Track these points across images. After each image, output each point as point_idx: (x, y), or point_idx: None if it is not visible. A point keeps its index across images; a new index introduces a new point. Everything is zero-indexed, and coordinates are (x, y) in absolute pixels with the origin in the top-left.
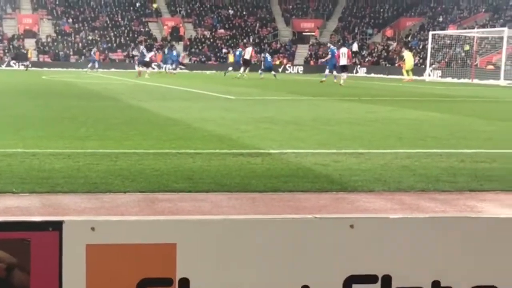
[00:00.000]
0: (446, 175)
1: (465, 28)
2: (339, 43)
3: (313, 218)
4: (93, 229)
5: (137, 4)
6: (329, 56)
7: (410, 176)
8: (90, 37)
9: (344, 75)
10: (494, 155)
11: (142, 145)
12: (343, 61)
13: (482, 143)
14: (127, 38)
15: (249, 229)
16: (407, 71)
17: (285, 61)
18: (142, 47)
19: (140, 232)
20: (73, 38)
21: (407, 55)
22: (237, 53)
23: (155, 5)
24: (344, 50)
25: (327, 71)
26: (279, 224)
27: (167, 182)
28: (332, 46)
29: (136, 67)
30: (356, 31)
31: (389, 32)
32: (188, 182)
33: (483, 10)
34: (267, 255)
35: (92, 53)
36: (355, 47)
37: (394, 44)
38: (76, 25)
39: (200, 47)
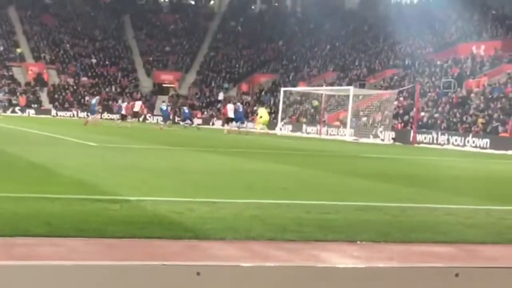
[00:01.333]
0: (293, 225)
1: (314, 86)
2: (197, 95)
3: (161, 265)
4: None
5: (1, 48)
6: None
7: (260, 226)
8: None
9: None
10: (338, 207)
11: (2, 189)
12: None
13: (327, 195)
14: None
15: (102, 274)
16: (263, 124)
17: (145, 111)
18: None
19: None
20: None
21: (262, 111)
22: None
23: (19, 50)
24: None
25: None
26: (130, 270)
27: (25, 226)
28: (238, 103)
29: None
30: (213, 84)
31: (244, 87)
32: (47, 227)
33: (331, 69)
34: None
35: None
36: (221, 96)
37: (249, 98)
38: None
39: (64, 94)
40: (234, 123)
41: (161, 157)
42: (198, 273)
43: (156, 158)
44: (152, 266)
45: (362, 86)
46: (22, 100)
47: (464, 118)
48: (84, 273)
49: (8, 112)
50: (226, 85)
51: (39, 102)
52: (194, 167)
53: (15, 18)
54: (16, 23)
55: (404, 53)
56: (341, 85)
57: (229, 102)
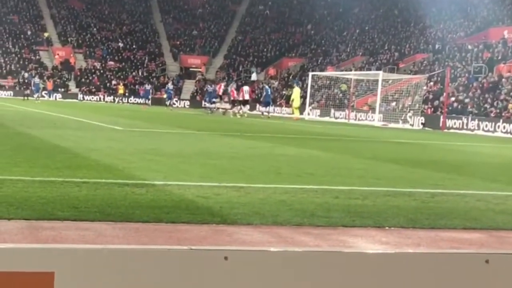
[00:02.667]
0: (321, 211)
1: (343, 70)
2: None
3: (189, 249)
4: None
5: (29, 32)
6: (264, 93)
7: (287, 211)
8: None
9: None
10: (366, 192)
11: (29, 173)
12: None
13: (356, 181)
14: (18, 65)
15: (128, 258)
16: (296, 109)
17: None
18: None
19: (17, 259)
20: None
21: (296, 92)
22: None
23: (46, 34)
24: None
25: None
26: (156, 254)
27: (52, 210)
28: (266, 86)
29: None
30: (240, 68)
31: (271, 71)
32: (73, 211)
33: (360, 53)
34: (145, 285)
35: None
36: (254, 76)
37: (276, 83)
38: None
39: (90, 78)
40: (247, 106)
41: (187, 141)
42: (225, 258)
43: (183, 142)
44: (179, 251)
45: (392, 70)
46: (50, 84)
47: (495, 104)
48: (111, 257)
49: (35, 96)
50: (253, 69)
51: (65, 86)
52: (221, 151)
53: (42, 2)
54: (43, 7)
55: (434, 37)
56: (370, 69)
57: (245, 84)
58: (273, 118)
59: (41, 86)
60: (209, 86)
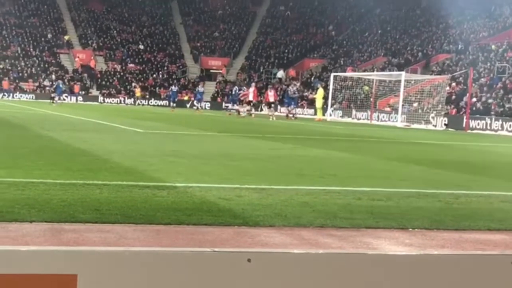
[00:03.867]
0: (344, 212)
1: (365, 71)
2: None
3: (212, 252)
4: None
5: (49, 36)
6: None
7: (309, 212)
8: (1, 66)
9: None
10: (389, 194)
11: (50, 175)
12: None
13: (379, 182)
14: (38, 69)
15: (150, 260)
16: (319, 109)
17: (193, 96)
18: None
19: (40, 262)
20: None
21: (319, 93)
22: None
23: (66, 37)
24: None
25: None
26: (179, 256)
27: (73, 212)
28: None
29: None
30: (261, 70)
31: (292, 72)
32: (95, 213)
33: (382, 54)
34: (168, 287)
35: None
36: (279, 74)
37: (298, 84)
38: None
39: (111, 80)
40: (272, 107)
41: (208, 143)
42: (249, 260)
43: (203, 144)
44: (202, 253)
45: (414, 71)
46: (77, 87)
47: None
48: (133, 259)
49: (56, 99)
50: (274, 70)
51: (86, 89)
52: (242, 153)
53: (63, 5)
54: (63, 10)
55: (457, 37)
56: (392, 70)
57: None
58: (294, 119)
59: (64, 89)
60: (236, 88)
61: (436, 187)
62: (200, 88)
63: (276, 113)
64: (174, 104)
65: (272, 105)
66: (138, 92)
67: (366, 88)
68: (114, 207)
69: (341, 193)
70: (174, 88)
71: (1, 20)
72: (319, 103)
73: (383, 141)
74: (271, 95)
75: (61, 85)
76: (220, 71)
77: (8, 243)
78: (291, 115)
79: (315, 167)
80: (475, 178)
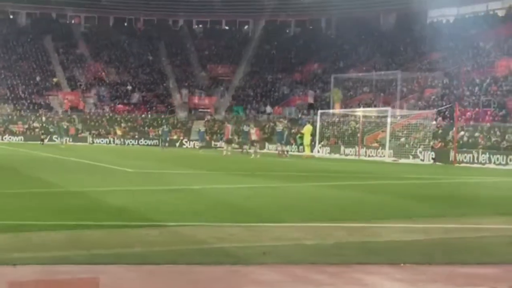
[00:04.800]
0: (335, 248)
1: (351, 107)
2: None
3: None
4: None
5: (37, 78)
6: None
7: (301, 249)
8: None
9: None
10: (380, 229)
11: (43, 217)
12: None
13: (369, 217)
14: (28, 111)
15: None
16: (307, 146)
17: (182, 135)
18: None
19: None
20: None
21: (307, 129)
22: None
23: (55, 80)
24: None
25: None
26: None
27: (67, 254)
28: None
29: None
30: (249, 107)
31: (279, 110)
32: (88, 255)
33: (368, 90)
34: None
35: None
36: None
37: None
38: None
39: (100, 121)
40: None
41: (198, 181)
42: None
43: (193, 182)
44: None
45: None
46: (72, 129)
47: (506, 137)
48: None
49: (46, 141)
50: (263, 108)
51: (75, 130)
52: (231, 191)
53: (51, 48)
54: (52, 53)
55: (441, 72)
56: (378, 106)
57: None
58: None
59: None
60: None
61: (427, 221)
62: (201, 128)
63: (264, 151)
64: (166, 144)
65: (255, 143)
66: (119, 131)
67: (353, 123)
68: (107, 248)
69: (331, 229)
70: (165, 128)
71: None
72: (307, 139)
73: (372, 176)
74: (228, 131)
75: (64, 127)
76: (208, 110)
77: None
78: (282, 152)
79: (305, 203)
80: (465, 211)
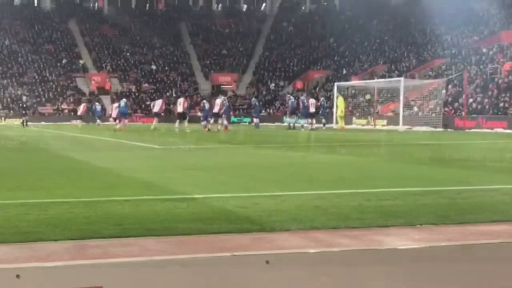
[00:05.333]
0: (355, 213)
1: (366, 79)
2: (254, 95)
3: (231, 256)
4: (18, 276)
5: (64, 61)
6: (301, 105)
7: (322, 215)
8: (19, 92)
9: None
10: (396, 193)
11: (72, 194)
12: (312, 109)
13: (386, 183)
14: (56, 93)
15: (173, 268)
16: (340, 118)
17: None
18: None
19: (66, 277)
20: (1, 93)
21: (340, 101)
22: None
23: (81, 61)
24: (312, 100)
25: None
26: (201, 262)
27: (97, 228)
28: (302, 97)
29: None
30: (269, 83)
31: (298, 84)
32: (118, 228)
33: (382, 62)
34: None
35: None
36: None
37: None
38: (5, 81)
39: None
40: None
41: (222, 155)
42: (267, 262)
43: (218, 156)
44: (222, 257)
45: (412, 76)
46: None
47: None
48: (157, 268)
49: (74, 121)
50: (281, 83)
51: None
52: (256, 162)
53: (76, 31)
54: (77, 35)
55: (450, 42)
56: (391, 76)
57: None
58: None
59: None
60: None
61: (440, 184)
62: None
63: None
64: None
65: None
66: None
67: (368, 96)
68: (136, 221)
69: (351, 195)
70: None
71: (17, 47)
72: (340, 111)
73: (387, 144)
74: (216, 105)
75: (98, 108)
76: (230, 87)
77: (34, 262)
78: (309, 125)
79: (325, 172)
80: (476, 173)
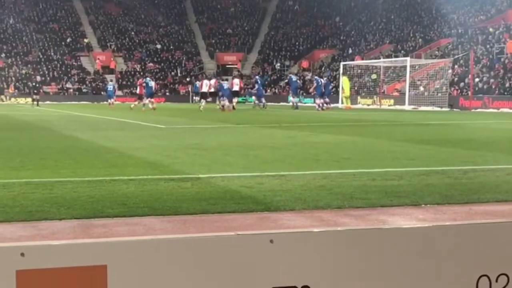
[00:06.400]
0: (359, 193)
1: (372, 59)
2: (259, 74)
3: (235, 235)
4: (22, 254)
5: (68, 40)
6: (315, 85)
7: (327, 195)
8: (23, 71)
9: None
10: (401, 173)
11: (77, 173)
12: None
13: (391, 163)
14: (60, 72)
15: (177, 247)
16: (346, 98)
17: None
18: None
19: (70, 255)
20: (6, 72)
21: (345, 81)
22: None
23: (86, 40)
24: (324, 80)
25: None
26: (204, 241)
27: (101, 208)
28: (316, 77)
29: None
30: (274, 63)
31: (304, 64)
32: (122, 207)
33: (388, 41)
34: (195, 272)
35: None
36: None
37: (310, 75)
38: (9, 60)
39: (131, 80)
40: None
41: (227, 134)
42: (271, 241)
43: (223, 136)
44: (226, 237)
45: (418, 56)
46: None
47: None
48: (161, 247)
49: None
50: (287, 63)
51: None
52: (260, 142)
53: (80, 9)
54: (81, 14)
55: (456, 22)
56: (397, 56)
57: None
58: (302, 108)
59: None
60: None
61: (445, 164)
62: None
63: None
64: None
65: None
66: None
67: (374, 76)
68: (141, 201)
69: (355, 175)
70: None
71: (21, 26)
72: (346, 92)
73: (392, 124)
74: (205, 85)
75: (110, 87)
76: (236, 66)
77: (38, 240)
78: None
79: (330, 152)
80: (481, 153)
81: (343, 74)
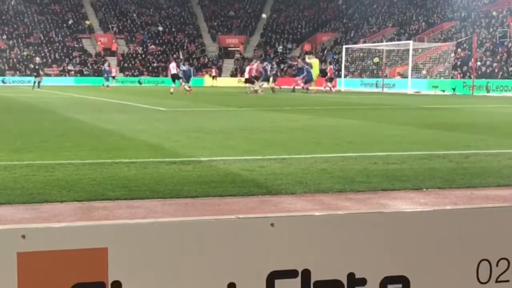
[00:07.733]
0: (361, 177)
1: (374, 42)
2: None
3: (236, 219)
4: (23, 237)
5: (70, 21)
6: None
7: (328, 178)
8: (25, 53)
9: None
10: (403, 157)
11: (78, 156)
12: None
13: (392, 146)
14: (62, 54)
15: (177, 230)
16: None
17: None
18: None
19: (71, 238)
20: (7, 54)
21: (314, 63)
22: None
23: (87, 22)
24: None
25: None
26: (205, 225)
27: (103, 190)
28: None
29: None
30: (276, 46)
31: (307, 47)
32: (124, 190)
33: (390, 25)
34: (195, 255)
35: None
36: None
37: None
38: (11, 42)
39: (133, 62)
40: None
41: (229, 118)
42: (272, 224)
43: (225, 119)
44: (227, 220)
45: (421, 39)
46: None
47: None
48: (162, 230)
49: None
50: (289, 46)
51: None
52: (262, 126)
53: None
54: None
55: (460, 5)
56: (400, 40)
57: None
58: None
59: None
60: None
61: (447, 148)
62: (182, 67)
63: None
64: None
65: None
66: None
67: (377, 59)
68: (142, 183)
69: (357, 159)
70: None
71: (23, 8)
72: (315, 74)
73: (394, 107)
74: (172, 68)
75: (107, 68)
76: (238, 49)
77: (40, 223)
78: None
79: (332, 135)
80: (483, 138)
81: (314, 56)
